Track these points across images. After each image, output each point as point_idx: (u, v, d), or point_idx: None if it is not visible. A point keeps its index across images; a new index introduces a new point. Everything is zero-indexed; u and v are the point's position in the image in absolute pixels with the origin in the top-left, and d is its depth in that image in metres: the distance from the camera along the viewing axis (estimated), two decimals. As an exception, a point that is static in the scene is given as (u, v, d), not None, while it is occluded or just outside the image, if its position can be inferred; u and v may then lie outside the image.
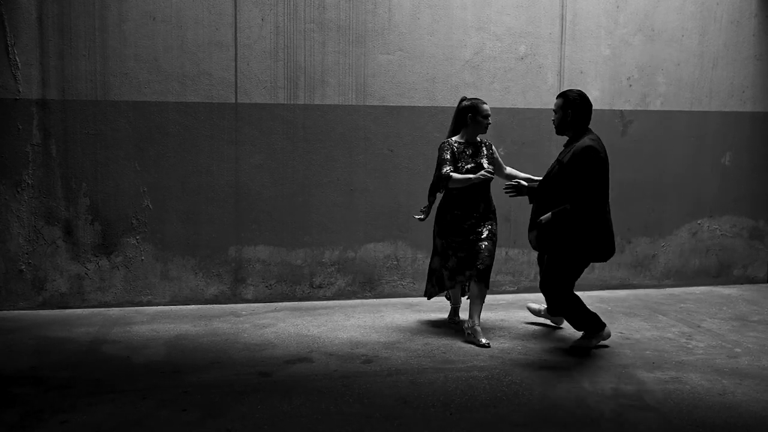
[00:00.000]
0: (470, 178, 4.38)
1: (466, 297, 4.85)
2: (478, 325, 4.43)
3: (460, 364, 3.97)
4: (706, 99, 6.15)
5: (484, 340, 4.35)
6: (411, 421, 3.17)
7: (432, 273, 4.72)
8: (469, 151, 4.53)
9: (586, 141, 4.03)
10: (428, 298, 4.81)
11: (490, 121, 4.56)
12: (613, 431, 3.10)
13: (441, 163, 4.49)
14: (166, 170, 5.26)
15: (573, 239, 4.05)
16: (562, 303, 4.17)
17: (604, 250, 4.13)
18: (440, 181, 4.49)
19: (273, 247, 5.46)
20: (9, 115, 5.01)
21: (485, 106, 4.50)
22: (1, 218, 5.07)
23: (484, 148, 4.57)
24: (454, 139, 4.57)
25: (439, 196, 4.66)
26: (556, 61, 5.81)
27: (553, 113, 4.25)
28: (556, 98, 4.24)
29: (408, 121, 5.59)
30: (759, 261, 6.45)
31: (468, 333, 4.44)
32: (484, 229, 4.49)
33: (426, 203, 4.70)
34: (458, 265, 4.53)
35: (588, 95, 5.81)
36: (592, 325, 4.22)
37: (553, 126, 4.28)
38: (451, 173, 4.42)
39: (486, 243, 4.44)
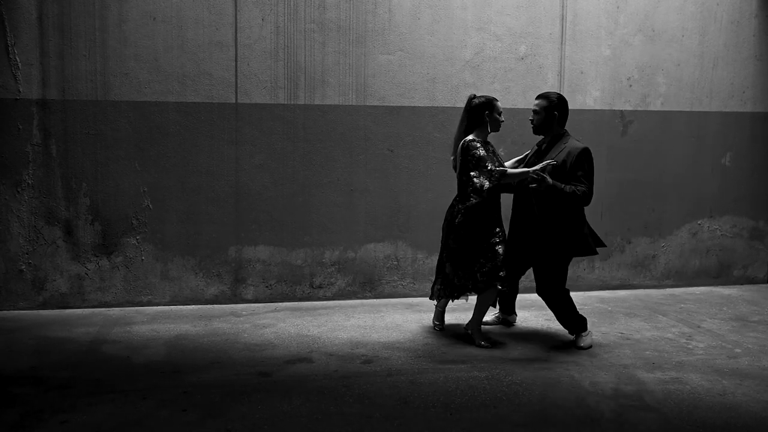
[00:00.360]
0: (528, 172, 4.08)
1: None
2: (480, 326, 4.43)
3: (461, 365, 3.97)
4: (706, 99, 6.15)
5: (483, 342, 4.34)
6: (411, 422, 3.17)
7: (445, 278, 4.49)
8: (490, 150, 4.35)
9: (577, 143, 4.27)
10: (432, 299, 4.72)
11: (504, 119, 4.42)
12: (614, 431, 3.11)
13: (481, 161, 4.17)
14: (166, 170, 5.26)
15: (565, 235, 4.23)
16: (560, 302, 4.31)
17: (593, 243, 4.33)
18: (493, 180, 4.13)
19: (273, 248, 5.46)
20: (9, 115, 5.01)
21: (499, 103, 4.37)
22: (1, 218, 5.07)
23: (493, 148, 4.45)
24: (474, 136, 4.31)
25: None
26: (556, 61, 5.81)
27: (533, 114, 4.37)
28: (537, 99, 4.37)
29: (408, 121, 5.59)
30: (759, 261, 6.45)
31: (467, 333, 4.44)
32: (501, 231, 4.37)
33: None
34: (484, 269, 4.32)
35: (588, 95, 5.88)
36: (580, 324, 4.38)
37: (532, 125, 4.40)
38: (506, 170, 4.14)
39: (501, 246, 4.31)
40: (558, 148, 4.25)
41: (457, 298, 4.48)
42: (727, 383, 3.71)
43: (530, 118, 4.40)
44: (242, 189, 5.38)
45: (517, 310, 5.22)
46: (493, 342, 4.41)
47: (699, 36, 6.08)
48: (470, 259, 4.32)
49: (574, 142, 4.26)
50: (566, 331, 4.67)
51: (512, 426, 3.14)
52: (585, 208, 4.32)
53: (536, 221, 4.28)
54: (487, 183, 4.16)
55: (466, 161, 4.25)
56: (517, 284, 4.83)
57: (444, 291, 4.52)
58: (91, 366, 3.89)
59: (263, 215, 5.43)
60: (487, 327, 4.77)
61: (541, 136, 4.43)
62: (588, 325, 4.45)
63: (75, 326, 4.71)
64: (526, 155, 4.56)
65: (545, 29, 5.76)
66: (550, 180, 4.07)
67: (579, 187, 4.11)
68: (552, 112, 4.28)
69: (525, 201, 4.37)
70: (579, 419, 3.22)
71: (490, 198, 4.28)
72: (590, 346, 4.34)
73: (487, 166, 4.15)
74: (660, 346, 4.40)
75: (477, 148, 4.21)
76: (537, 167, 4.12)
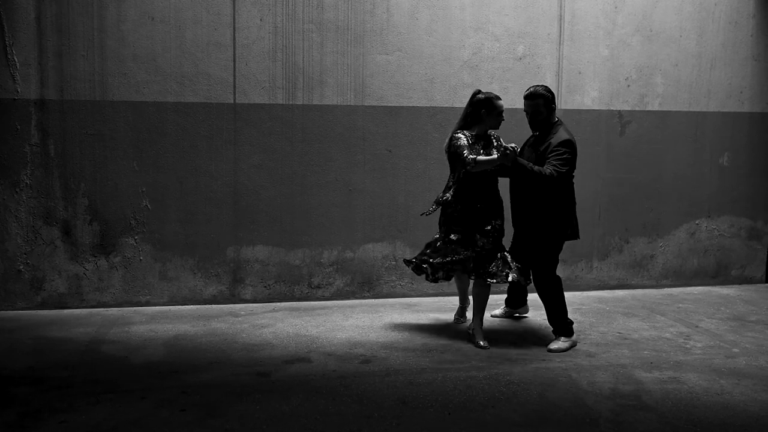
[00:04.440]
0: (495, 159, 4.16)
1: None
2: (480, 326, 4.44)
3: (459, 364, 3.97)
4: (704, 99, 6.16)
5: (482, 342, 4.35)
6: (409, 421, 3.17)
7: (425, 248, 4.61)
8: (480, 144, 4.41)
9: (564, 134, 4.29)
10: (407, 262, 4.69)
11: (504, 118, 4.45)
12: (612, 431, 3.11)
13: (459, 149, 4.28)
14: (164, 170, 5.26)
15: (551, 221, 4.32)
16: (551, 290, 4.34)
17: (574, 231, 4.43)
18: (464, 167, 4.25)
19: (271, 248, 5.46)
20: (7, 115, 5.01)
21: (500, 102, 4.39)
22: (-1, 218, 5.08)
23: (494, 140, 4.48)
24: (466, 132, 4.41)
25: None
26: (554, 61, 5.81)
27: (534, 114, 4.37)
28: (532, 99, 4.34)
29: (406, 121, 5.59)
30: (757, 261, 6.46)
31: (469, 332, 4.45)
32: (488, 224, 4.38)
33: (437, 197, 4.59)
34: (457, 259, 4.41)
35: (587, 96, 5.89)
36: (565, 325, 4.36)
37: (532, 124, 4.43)
38: (476, 158, 4.22)
39: (487, 239, 4.35)
40: (548, 138, 4.31)
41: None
42: (725, 383, 3.72)
43: (529, 118, 4.41)
44: (240, 189, 5.38)
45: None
46: (490, 341, 4.40)
47: (697, 36, 6.09)
48: (450, 246, 4.47)
49: (562, 133, 4.29)
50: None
51: (510, 426, 3.14)
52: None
53: (527, 209, 4.39)
54: (463, 170, 4.34)
55: (451, 153, 4.40)
56: (528, 276, 4.84)
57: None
58: (89, 366, 3.89)
59: (261, 215, 5.43)
60: (486, 325, 4.75)
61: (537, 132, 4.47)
62: (573, 336, 4.39)
63: (73, 326, 4.71)
64: (523, 145, 4.61)
65: (543, 29, 5.77)
66: (516, 158, 4.14)
67: (546, 169, 4.16)
68: (550, 106, 4.35)
69: (518, 192, 4.46)
70: (577, 419, 3.23)
71: (469, 188, 4.38)
72: (563, 351, 4.28)
73: (463, 155, 4.26)
74: (658, 345, 4.40)
75: (458, 139, 4.34)
76: (499, 155, 4.18)
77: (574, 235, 4.43)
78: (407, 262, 4.69)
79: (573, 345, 4.35)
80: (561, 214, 4.33)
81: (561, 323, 4.35)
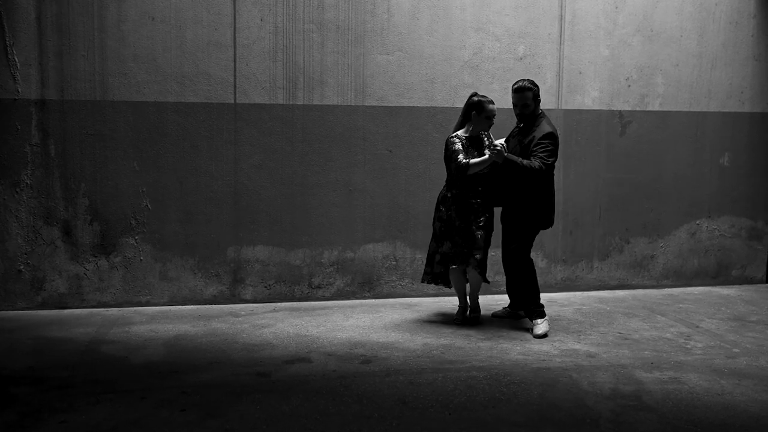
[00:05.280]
0: (487, 159, 4.50)
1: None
2: (476, 301, 4.93)
3: (459, 365, 3.97)
4: (704, 100, 6.16)
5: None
6: (410, 422, 3.17)
7: (430, 257, 4.90)
8: (474, 147, 4.69)
9: (547, 126, 4.56)
10: (423, 282, 4.96)
11: (494, 121, 4.69)
12: (612, 431, 3.11)
13: (454, 154, 4.60)
14: (164, 170, 5.26)
15: (533, 208, 4.64)
16: (526, 270, 4.67)
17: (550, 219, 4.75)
18: (459, 171, 4.57)
19: (272, 248, 5.46)
20: (8, 115, 5.01)
21: (491, 107, 4.65)
22: (-1, 218, 5.08)
23: (485, 139, 4.65)
24: (460, 133, 4.70)
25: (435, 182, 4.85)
26: (555, 61, 5.81)
27: (522, 107, 4.61)
28: (520, 92, 4.59)
29: (407, 121, 5.59)
30: (757, 261, 6.45)
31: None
32: (482, 217, 4.69)
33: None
34: (453, 252, 4.72)
35: (587, 96, 5.89)
36: (539, 306, 4.69)
37: (520, 116, 4.67)
38: (469, 161, 4.55)
39: (481, 232, 4.67)
40: (533, 130, 4.57)
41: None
42: (726, 383, 3.72)
43: (517, 110, 4.65)
44: (241, 189, 5.38)
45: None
46: (490, 342, 4.42)
47: (697, 36, 6.08)
48: (447, 241, 4.77)
49: (545, 126, 4.55)
50: (566, 331, 4.68)
51: (511, 426, 3.14)
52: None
53: (511, 198, 4.69)
54: (456, 173, 4.64)
55: (446, 155, 4.71)
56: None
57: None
58: (89, 366, 3.89)
59: (262, 215, 5.43)
60: (486, 325, 4.77)
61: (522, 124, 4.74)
62: (546, 315, 4.71)
63: (73, 326, 4.71)
64: (508, 137, 4.87)
65: (544, 29, 5.77)
66: (506, 154, 4.44)
67: (534, 162, 4.43)
68: (537, 99, 4.63)
69: (501, 182, 4.70)
70: (577, 419, 3.23)
71: (466, 185, 4.67)
72: (546, 335, 4.58)
73: (457, 159, 4.57)
74: (658, 346, 4.40)
75: (453, 143, 4.65)
76: (489, 154, 4.47)
77: (550, 222, 4.74)
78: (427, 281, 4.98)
79: (548, 322, 4.72)
80: (542, 203, 4.64)
81: (536, 301, 4.68)
